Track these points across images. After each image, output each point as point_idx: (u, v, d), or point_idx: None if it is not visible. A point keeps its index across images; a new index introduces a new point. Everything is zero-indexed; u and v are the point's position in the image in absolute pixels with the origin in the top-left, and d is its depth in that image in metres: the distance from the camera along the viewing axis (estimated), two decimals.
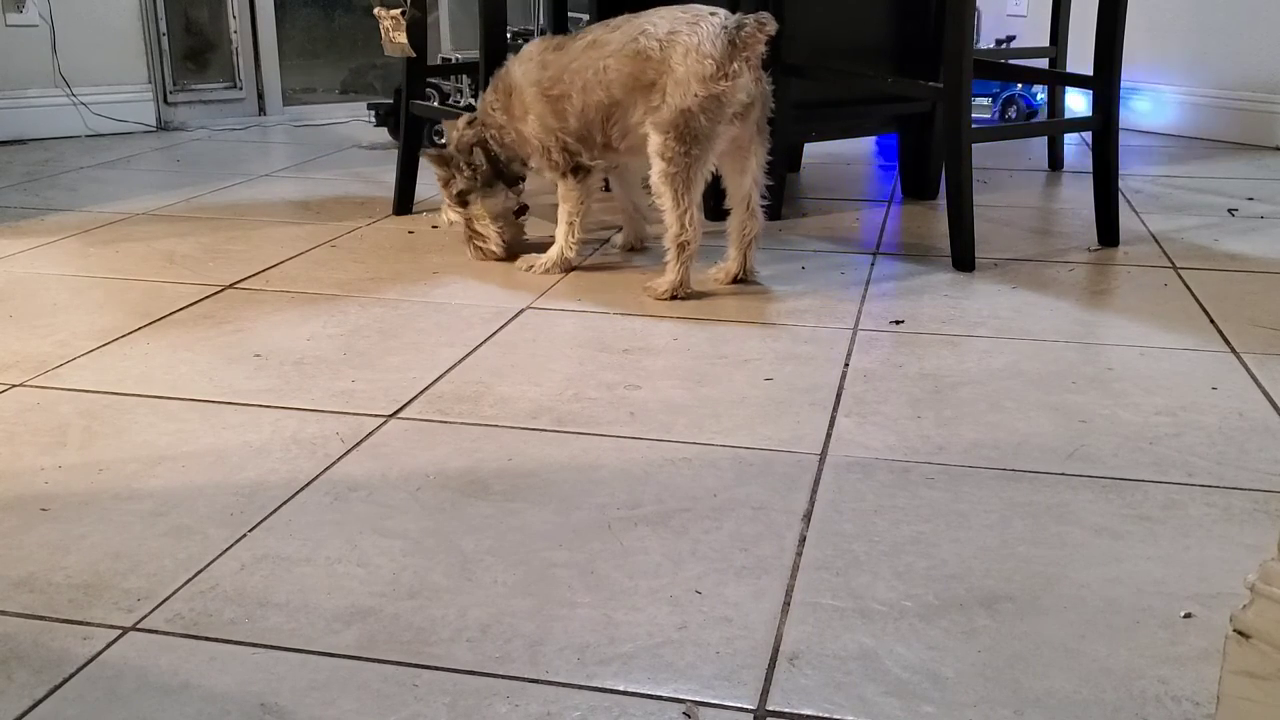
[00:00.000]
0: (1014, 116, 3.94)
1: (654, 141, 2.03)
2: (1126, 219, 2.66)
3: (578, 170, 2.20)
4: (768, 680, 1.01)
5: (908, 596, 1.13)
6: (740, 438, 1.50)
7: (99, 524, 1.28)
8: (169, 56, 4.09)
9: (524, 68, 2.18)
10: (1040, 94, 3.93)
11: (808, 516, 1.30)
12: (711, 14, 2.03)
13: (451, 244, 2.49)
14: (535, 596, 1.14)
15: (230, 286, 2.18)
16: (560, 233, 2.28)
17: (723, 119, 2.01)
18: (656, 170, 2.04)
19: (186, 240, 2.53)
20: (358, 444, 1.49)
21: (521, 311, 2.03)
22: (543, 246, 2.34)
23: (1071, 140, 3.73)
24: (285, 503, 1.33)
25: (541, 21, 4.31)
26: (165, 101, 4.11)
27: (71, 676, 1.01)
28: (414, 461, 1.44)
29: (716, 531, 1.26)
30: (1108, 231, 2.49)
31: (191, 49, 4.20)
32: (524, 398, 1.64)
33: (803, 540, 1.24)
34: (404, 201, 2.80)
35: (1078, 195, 2.96)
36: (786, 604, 1.12)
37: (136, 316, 2.00)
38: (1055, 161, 3.38)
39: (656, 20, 2.05)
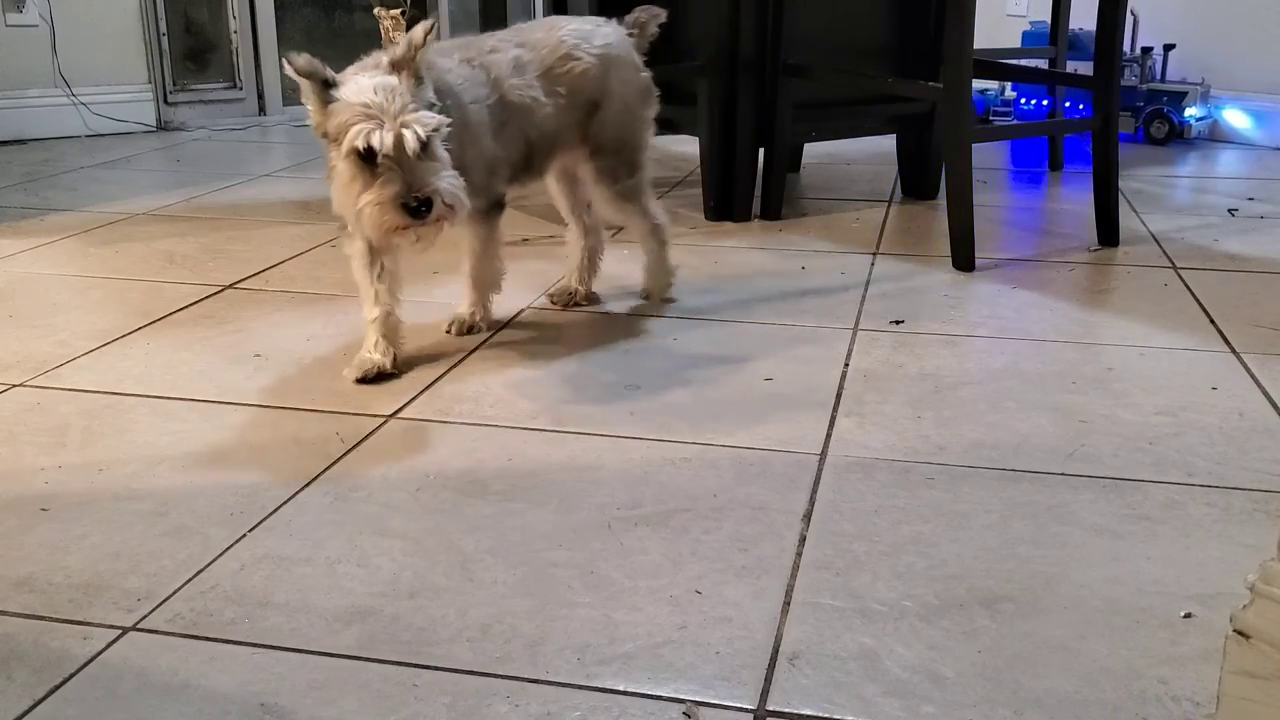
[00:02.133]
0: (1156, 135, 3.72)
1: (600, 166, 1.92)
2: (1126, 219, 2.66)
3: (500, 206, 1.86)
4: (768, 680, 1.01)
5: (908, 596, 1.13)
6: (740, 438, 1.50)
7: (99, 524, 1.28)
8: (169, 56, 4.09)
9: (458, 79, 1.73)
10: (1189, 109, 3.71)
11: (808, 516, 1.30)
12: (606, 21, 1.93)
13: (451, 244, 2.49)
14: (535, 596, 1.14)
15: (230, 286, 2.18)
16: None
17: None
18: (611, 192, 1.94)
19: (186, 240, 2.53)
20: (358, 444, 1.49)
21: (521, 311, 2.03)
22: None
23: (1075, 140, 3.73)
24: (285, 503, 1.33)
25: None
26: (165, 101, 4.11)
27: (71, 676, 1.01)
28: (414, 461, 1.44)
29: (716, 531, 1.26)
30: (1108, 231, 2.49)
31: (191, 49, 4.20)
32: (524, 397, 1.64)
33: (803, 540, 1.24)
34: None
35: (1078, 195, 2.96)
36: (786, 604, 1.12)
37: (136, 316, 2.00)
38: (1055, 161, 3.38)
39: (570, 32, 1.87)
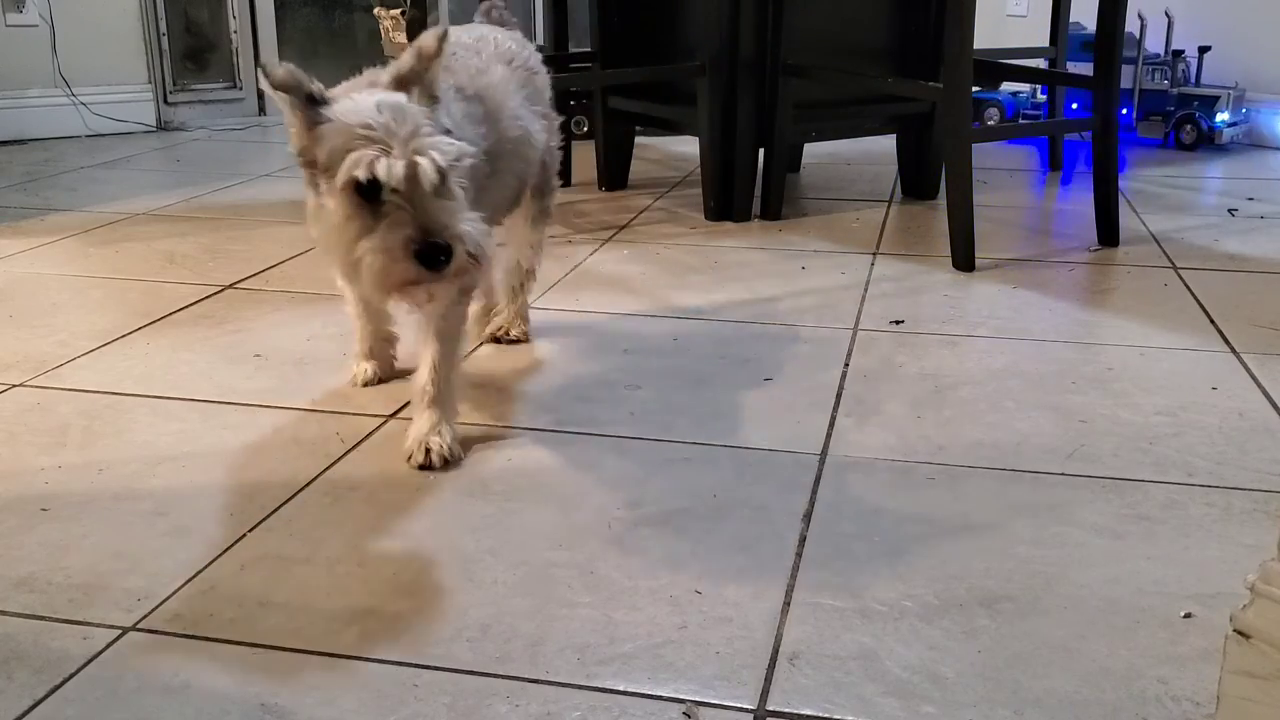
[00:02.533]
0: (1186, 140, 3.64)
1: (538, 182, 1.77)
2: (1127, 219, 2.66)
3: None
4: (768, 680, 1.01)
5: (908, 596, 1.13)
6: (740, 438, 1.50)
7: (99, 524, 1.28)
8: (169, 56, 4.09)
9: (459, 114, 1.42)
10: (1220, 114, 3.62)
11: (808, 516, 1.30)
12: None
13: None
14: (535, 596, 1.14)
15: (230, 286, 2.18)
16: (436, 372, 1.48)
17: None
18: (539, 207, 1.81)
19: (186, 240, 2.53)
20: (357, 444, 1.49)
21: None
22: None
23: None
24: (285, 503, 1.33)
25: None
26: (165, 101, 4.11)
27: (71, 676, 1.01)
28: None
29: (716, 531, 1.26)
30: (1108, 231, 2.49)
31: (191, 49, 4.20)
32: (524, 397, 1.64)
33: (803, 540, 1.24)
34: None
35: (1078, 195, 2.96)
36: (786, 604, 1.12)
37: (136, 316, 1.99)
38: (1055, 161, 3.38)
39: (517, 41, 1.69)
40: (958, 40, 2.23)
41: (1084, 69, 3.62)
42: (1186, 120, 3.65)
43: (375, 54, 3.65)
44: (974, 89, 3.96)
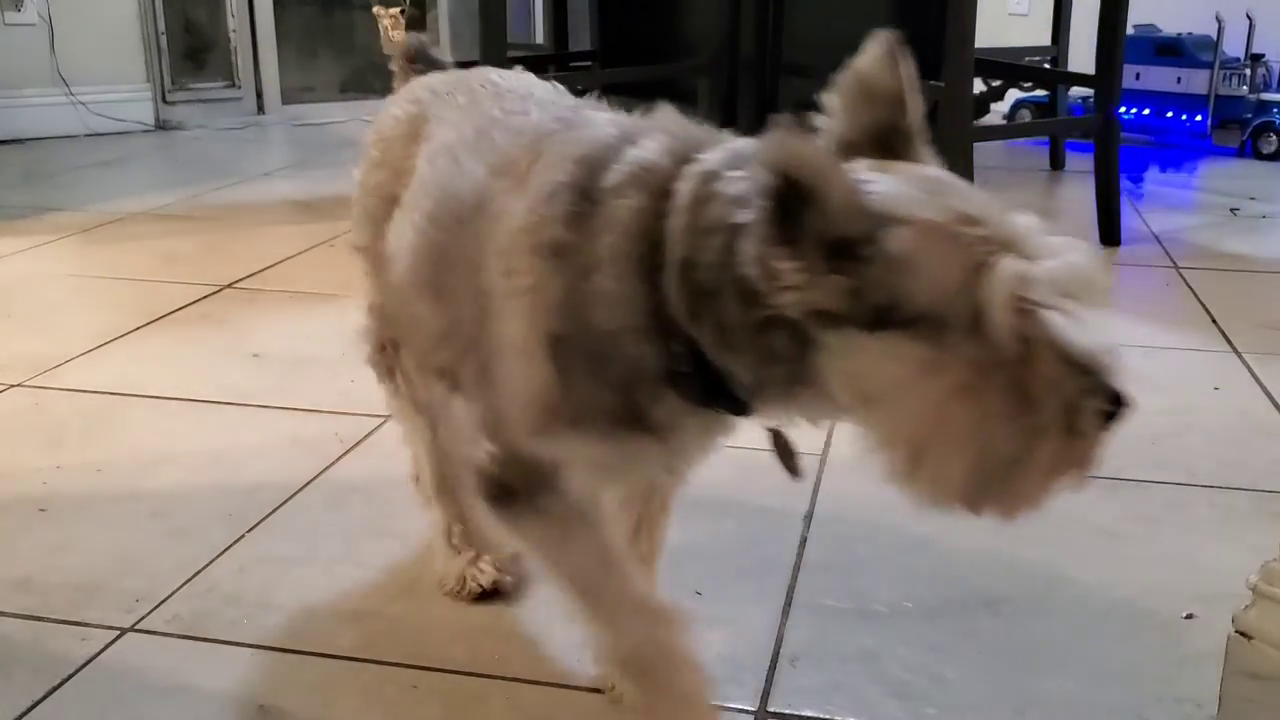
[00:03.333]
0: (1264, 149, 3.49)
1: None
2: (1128, 218, 2.65)
3: None
4: (769, 681, 1.00)
5: (909, 597, 1.13)
6: (741, 438, 1.49)
7: (97, 525, 1.27)
8: (167, 56, 4.08)
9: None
10: None
11: (809, 517, 1.29)
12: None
13: None
14: (534, 598, 1.13)
15: (228, 286, 2.18)
16: None
17: None
18: None
19: (185, 240, 2.53)
20: (356, 444, 1.48)
21: None
22: None
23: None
24: (284, 503, 1.32)
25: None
26: (164, 101, 4.10)
27: (70, 677, 1.00)
28: None
29: (717, 532, 1.26)
30: (1109, 231, 2.49)
31: (190, 48, 4.19)
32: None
33: (804, 541, 1.24)
34: None
35: (1079, 195, 2.96)
36: (787, 605, 1.12)
37: (135, 316, 1.99)
38: (1056, 161, 3.37)
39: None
40: (958, 38, 2.23)
41: (1159, 74, 3.48)
42: (1266, 128, 3.49)
43: (374, 52, 3.64)
44: (1042, 93, 3.91)
